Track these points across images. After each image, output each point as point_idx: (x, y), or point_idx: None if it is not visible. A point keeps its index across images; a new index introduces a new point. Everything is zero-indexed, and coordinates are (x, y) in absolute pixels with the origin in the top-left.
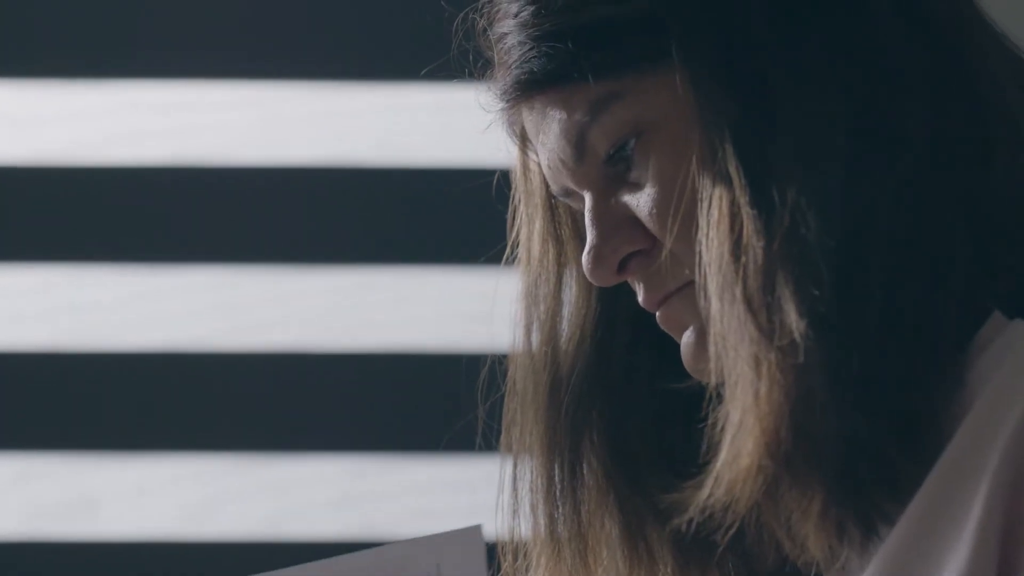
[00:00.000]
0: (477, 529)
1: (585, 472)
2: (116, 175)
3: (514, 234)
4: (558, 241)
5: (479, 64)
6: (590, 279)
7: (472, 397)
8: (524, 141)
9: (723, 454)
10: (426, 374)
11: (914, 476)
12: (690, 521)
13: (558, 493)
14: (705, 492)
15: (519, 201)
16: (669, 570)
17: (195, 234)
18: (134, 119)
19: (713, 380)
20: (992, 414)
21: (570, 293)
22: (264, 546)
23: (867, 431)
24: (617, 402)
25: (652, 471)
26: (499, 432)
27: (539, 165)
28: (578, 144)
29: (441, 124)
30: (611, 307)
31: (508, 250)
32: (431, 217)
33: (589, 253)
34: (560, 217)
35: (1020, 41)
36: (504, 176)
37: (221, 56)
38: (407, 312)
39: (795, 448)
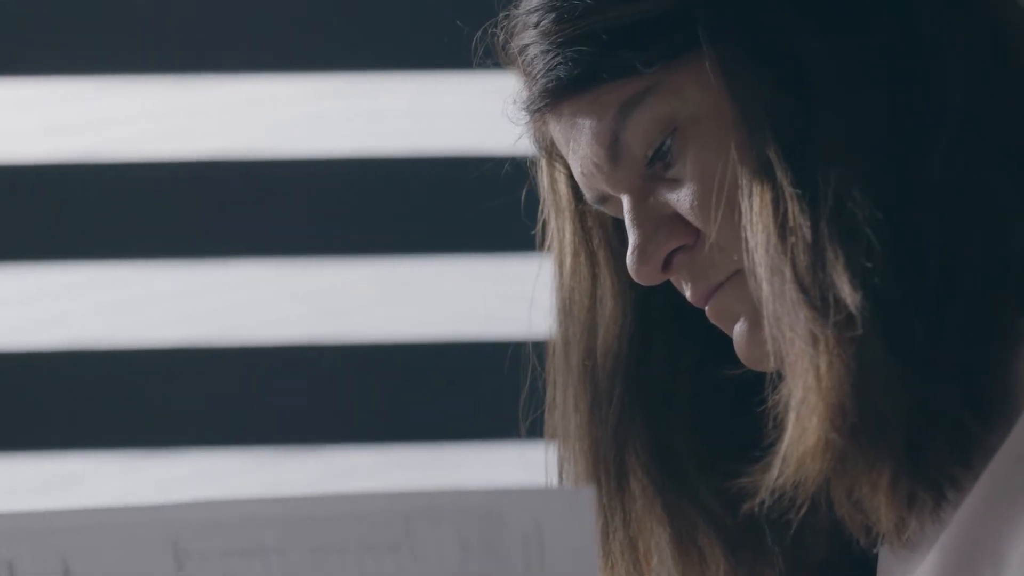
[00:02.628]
0: (589, 493)
1: (632, 483)
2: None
3: (546, 248)
4: (589, 254)
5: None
6: (636, 279)
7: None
8: (551, 156)
9: (789, 433)
10: (471, 363)
11: (983, 440)
12: (761, 503)
13: (606, 505)
14: (774, 472)
15: (549, 215)
16: (722, 572)
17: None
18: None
19: (771, 364)
20: None
21: (604, 306)
22: None
23: (933, 397)
24: (659, 413)
25: (699, 476)
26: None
27: (568, 177)
28: (612, 146)
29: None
30: (647, 317)
31: (542, 253)
32: (453, 206)
33: (633, 253)
34: (590, 229)
35: None
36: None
37: (223, 50)
38: (446, 302)
39: (861, 420)
